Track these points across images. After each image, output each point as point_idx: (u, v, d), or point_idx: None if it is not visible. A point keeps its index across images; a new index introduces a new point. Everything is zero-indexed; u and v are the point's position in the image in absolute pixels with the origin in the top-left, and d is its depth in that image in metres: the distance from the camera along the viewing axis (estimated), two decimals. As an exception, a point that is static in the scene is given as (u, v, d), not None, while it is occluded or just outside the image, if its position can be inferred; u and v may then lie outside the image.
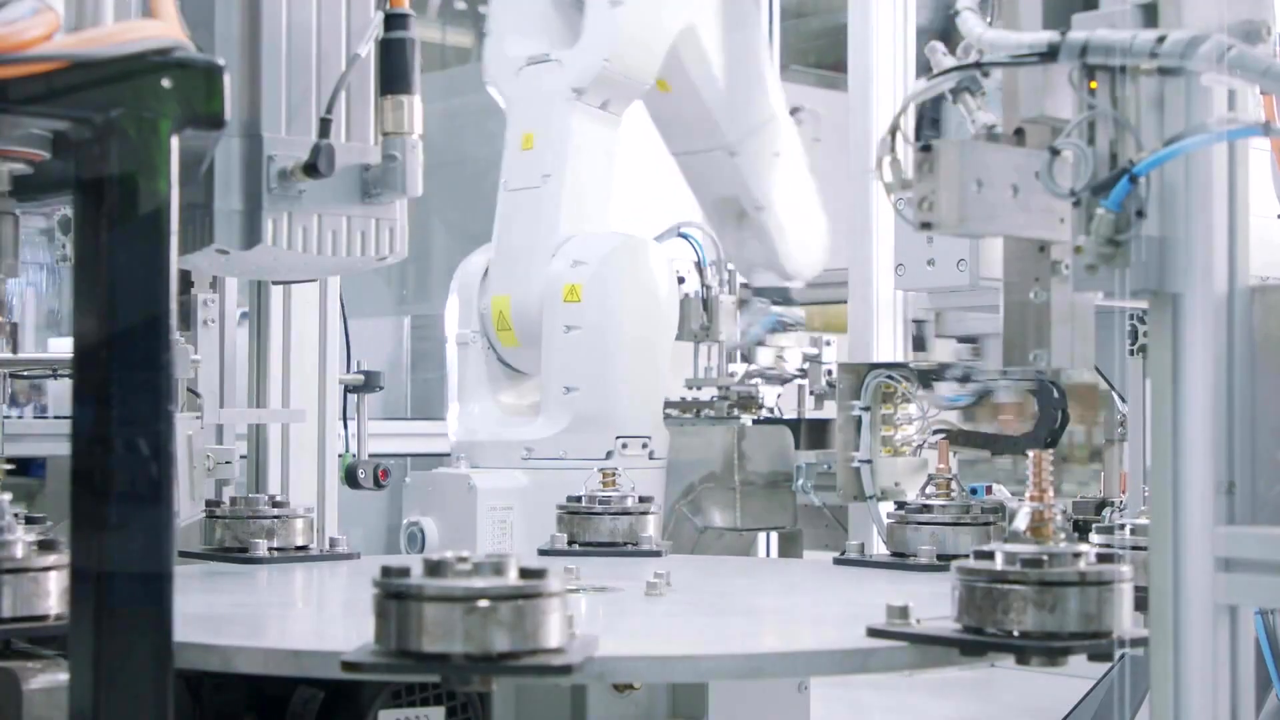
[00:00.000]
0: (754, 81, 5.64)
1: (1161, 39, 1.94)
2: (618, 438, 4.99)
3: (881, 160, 2.13)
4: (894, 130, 2.13)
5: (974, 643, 2.20)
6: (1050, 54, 2.03)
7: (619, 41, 5.11)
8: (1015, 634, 2.16)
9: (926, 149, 2.03)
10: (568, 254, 5.05)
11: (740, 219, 5.80)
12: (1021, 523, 2.21)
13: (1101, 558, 2.22)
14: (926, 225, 2.03)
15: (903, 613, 2.27)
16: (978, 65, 2.15)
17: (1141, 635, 2.13)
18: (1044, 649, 2.15)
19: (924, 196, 2.03)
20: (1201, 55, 1.91)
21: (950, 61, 2.22)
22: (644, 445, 5.04)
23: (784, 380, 5.65)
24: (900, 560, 3.36)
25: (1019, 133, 2.20)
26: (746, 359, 5.89)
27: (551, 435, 5.00)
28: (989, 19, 2.37)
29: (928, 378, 4.32)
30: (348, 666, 1.98)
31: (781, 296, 5.78)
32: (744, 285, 5.86)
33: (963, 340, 4.20)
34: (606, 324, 4.99)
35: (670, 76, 5.43)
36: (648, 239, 5.29)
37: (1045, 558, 2.16)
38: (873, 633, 2.28)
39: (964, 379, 4.22)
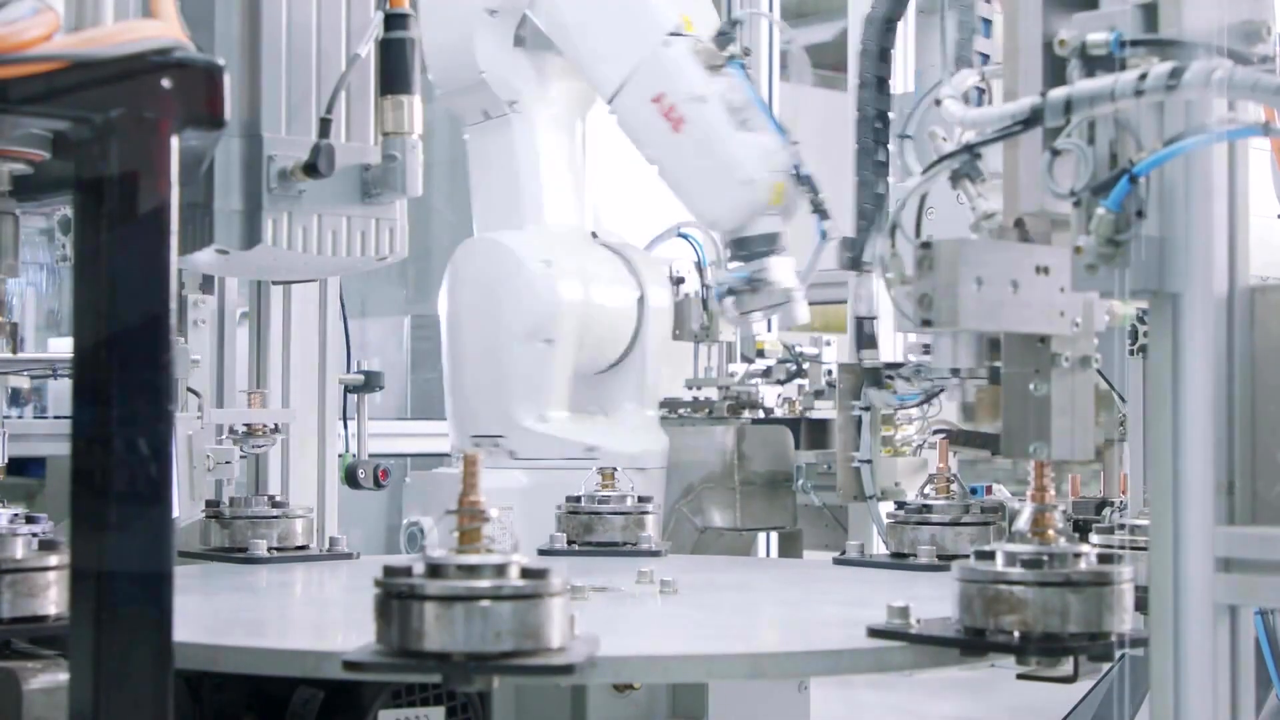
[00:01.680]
0: (619, 24, 4.76)
1: (1143, 76, 1.93)
2: (472, 436, 4.97)
3: (883, 257, 2.14)
4: (893, 228, 2.13)
5: (974, 643, 2.20)
6: (1034, 118, 2.04)
7: (435, 68, 4.97)
8: (1015, 634, 2.16)
9: (926, 246, 2.04)
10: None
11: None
12: (1023, 523, 2.21)
13: (1102, 558, 2.22)
14: (927, 322, 2.05)
15: (903, 613, 2.27)
16: (968, 149, 2.16)
17: (1141, 636, 2.13)
18: (1044, 650, 2.15)
19: (924, 294, 2.04)
20: (1186, 84, 1.91)
21: (949, 147, 2.23)
22: (495, 444, 4.95)
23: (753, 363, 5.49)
24: (900, 560, 3.36)
25: (1019, 224, 2.20)
26: (747, 359, 5.88)
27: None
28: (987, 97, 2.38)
29: (877, 376, 4.27)
30: (349, 666, 1.98)
31: (764, 248, 4.62)
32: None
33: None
34: (456, 320, 4.99)
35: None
36: (497, 239, 5.04)
37: (1046, 558, 2.16)
38: (873, 633, 2.28)
39: (916, 376, 4.18)
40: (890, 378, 4.33)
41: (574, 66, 4.96)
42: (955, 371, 3.72)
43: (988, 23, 3.68)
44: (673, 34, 4.64)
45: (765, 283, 4.47)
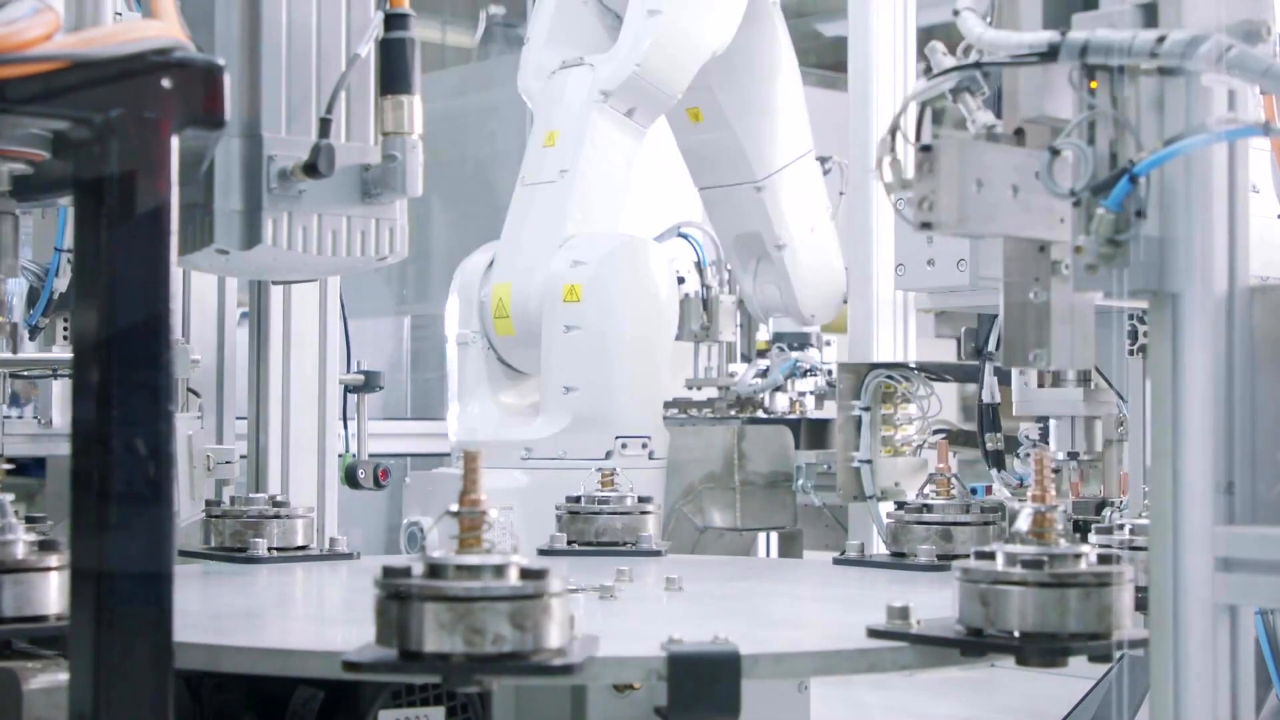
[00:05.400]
0: (786, 119, 5.73)
1: (1161, 39, 1.94)
2: (617, 438, 4.99)
3: (881, 160, 2.13)
4: (894, 130, 2.12)
5: (974, 643, 2.20)
6: (1050, 54, 2.03)
7: (652, 49, 5.14)
8: (1015, 634, 2.16)
9: (926, 149, 2.03)
10: (568, 253, 5.05)
11: (760, 259, 5.87)
12: (1023, 523, 2.21)
13: (1102, 558, 2.22)
14: (926, 225, 2.03)
15: (903, 613, 2.27)
16: (978, 65, 2.15)
17: (1141, 636, 2.13)
18: (1044, 650, 2.15)
19: (924, 196, 2.02)
20: (1201, 55, 1.91)
21: (950, 61, 2.22)
22: (644, 445, 5.04)
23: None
24: (900, 560, 3.36)
25: (1019, 133, 2.19)
26: (747, 359, 5.90)
27: (551, 435, 5.00)
28: (988, 19, 2.36)
29: (1000, 457, 4.47)
30: (349, 667, 1.98)
31: (800, 341, 5.87)
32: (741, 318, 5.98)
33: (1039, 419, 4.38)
34: (606, 324, 4.99)
35: (704, 106, 5.49)
36: (648, 240, 5.29)
37: (1046, 558, 2.16)
38: (873, 633, 2.28)
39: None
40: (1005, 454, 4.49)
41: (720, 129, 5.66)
42: (1073, 455, 3.93)
43: None
44: (820, 158, 5.92)
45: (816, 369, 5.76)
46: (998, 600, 2.16)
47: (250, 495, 3.59)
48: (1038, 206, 2.11)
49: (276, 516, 3.48)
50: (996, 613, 2.16)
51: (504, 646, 1.93)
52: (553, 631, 1.97)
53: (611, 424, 5.02)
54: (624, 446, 5.00)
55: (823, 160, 5.97)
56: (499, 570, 1.96)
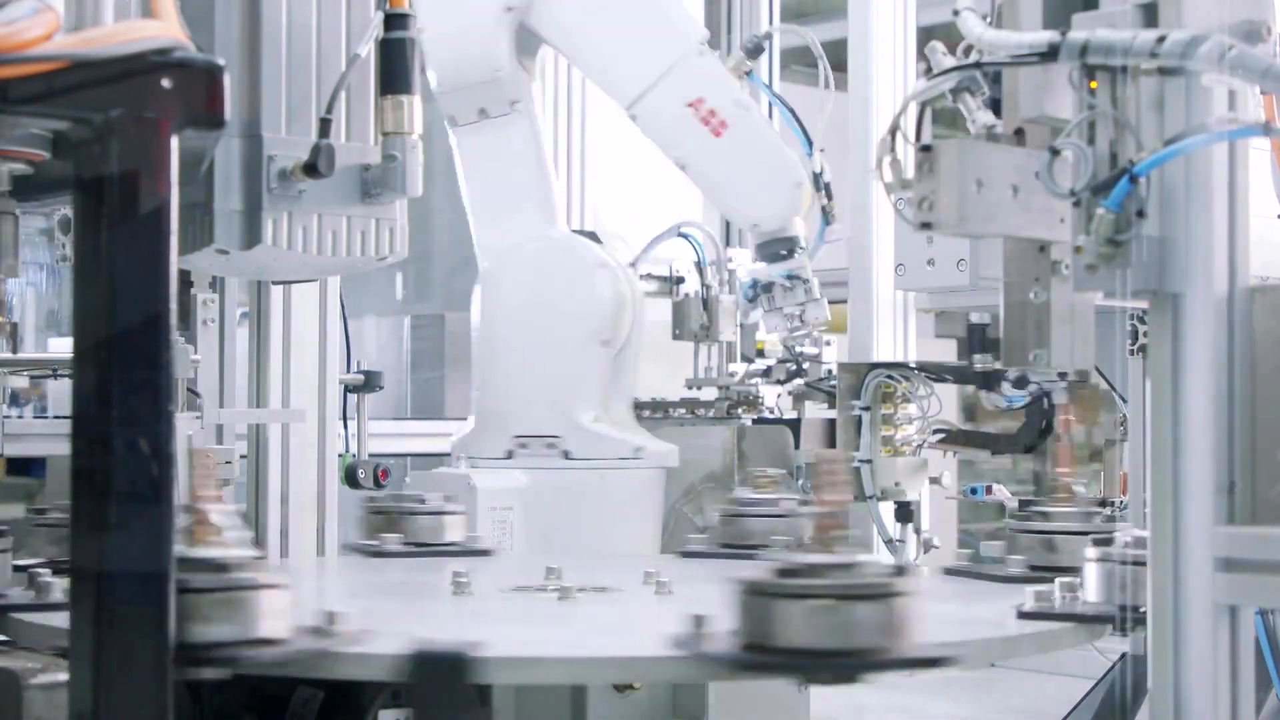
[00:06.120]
0: (638, 33, 4.92)
1: (1161, 39, 1.94)
2: (516, 436, 4.84)
3: (881, 160, 2.13)
4: (894, 130, 2.13)
5: (747, 661, 2.04)
6: (1050, 54, 2.04)
7: (441, 64, 4.84)
8: (793, 650, 1.98)
9: (926, 149, 2.03)
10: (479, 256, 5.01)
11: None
12: (808, 530, 2.07)
13: (890, 568, 2.02)
14: (926, 225, 2.03)
15: (699, 623, 2.11)
16: (978, 65, 2.15)
17: (932, 656, 1.99)
18: (820, 667, 2.00)
19: (924, 196, 2.03)
20: (1201, 55, 1.91)
21: (950, 61, 2.22)
22: (549, 445, 4.82)
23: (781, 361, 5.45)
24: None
25: (1019, 133, 2.20)
26: (747, 359, 5.89)
27: (464, 437, 4.94)
28: (988, 19, 2.37)
29: (989, 378, 4.31)
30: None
31: (788, 248, 4.95)
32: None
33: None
34: (499, 320, 4.91)
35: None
36: (564, 235, 5.03)
37: (823, 568, 1.98)
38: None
39: (1021, 382, 4.16)
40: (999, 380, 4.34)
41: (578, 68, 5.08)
42: (1062, 375, 3.77)
43: None
44: (705, 43, 4.94)
45: (802, 280, 4.84)
46: (772, 613, 2.00)
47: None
48: (1038, 206, 2.11)
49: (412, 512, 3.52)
50: (774, 627, 2.00)
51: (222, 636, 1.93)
52: (261, 623, 1.97)
53: (509, 422, 4.85)
54: (523, 446, 4.80)
55: (759, 45, 5.13)
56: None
